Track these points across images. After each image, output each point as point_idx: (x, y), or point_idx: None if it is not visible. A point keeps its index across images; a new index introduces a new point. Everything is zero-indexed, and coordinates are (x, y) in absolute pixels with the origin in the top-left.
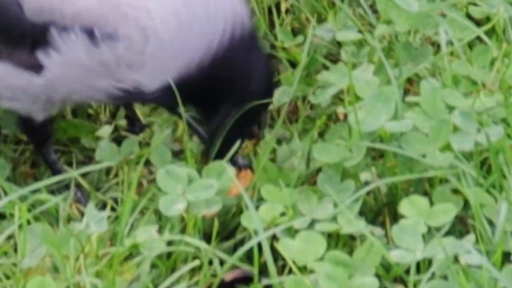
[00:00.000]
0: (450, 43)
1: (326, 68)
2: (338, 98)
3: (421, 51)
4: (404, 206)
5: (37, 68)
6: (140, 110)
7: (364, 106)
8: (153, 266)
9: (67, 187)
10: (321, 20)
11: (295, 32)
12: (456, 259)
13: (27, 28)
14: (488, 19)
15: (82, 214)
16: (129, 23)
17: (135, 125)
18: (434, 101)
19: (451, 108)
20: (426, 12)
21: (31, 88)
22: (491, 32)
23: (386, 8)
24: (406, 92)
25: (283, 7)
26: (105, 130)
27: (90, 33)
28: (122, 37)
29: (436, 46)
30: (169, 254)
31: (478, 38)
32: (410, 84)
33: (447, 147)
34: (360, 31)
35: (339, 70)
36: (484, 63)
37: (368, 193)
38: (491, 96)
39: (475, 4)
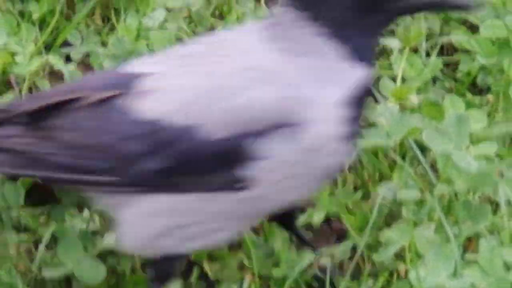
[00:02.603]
0: (508, 202)
1: (388, 225)
2: (399, 255)
3: (480, 210)
4: None
5: (240, 183)
6: (208, 266)
7: (425, 264)
8: None
9: None
10: (381, 178)
11: (356, 189)
12: None
13: (215, 149)
14: None
15: None
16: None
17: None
18: (492, 259)
19: (508, 267)
20: (485, 172)
21: (233, 207)
22: None
23: (446, 168)
24: (465, 249)
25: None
26: None
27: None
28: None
29: (495, 205)
30: None
31: None
32: (470, 242)
33: None
34: (420, 190)
35: (401, 228)
36: None
37: None
38: None
39: None
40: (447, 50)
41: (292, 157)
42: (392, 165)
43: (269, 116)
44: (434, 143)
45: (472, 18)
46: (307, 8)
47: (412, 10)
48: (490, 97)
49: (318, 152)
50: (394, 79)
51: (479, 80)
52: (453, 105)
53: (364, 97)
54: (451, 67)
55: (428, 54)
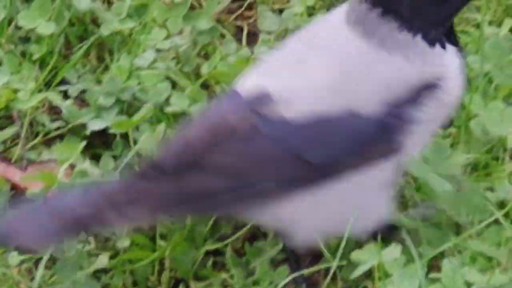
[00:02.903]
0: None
1: (359, 247)
2: (369, 274)
3: (444, 232)
4: None
5: (396, 146)
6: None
7: (392, 282)
8: None
9: None
10: None
11: None
12: None
13: (377, 123)
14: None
15: None
16: None
17: None
18: (454, 278)
19: (469, 285)
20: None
21: (385, 174)
22: (505, 215)
23: (418, 191)
24: (430, 269)
25: None
26: None
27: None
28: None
29: (457, 227)
30: None
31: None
32: (435, 261)
33: None
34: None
35: (370, 249)
36: (499, 242)
37: None
38: (505, 274)
39: (492, 190)
40: None
41: (434, 115)
42: None
43: (415, 82)
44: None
45: None
46: (385, 5)
47: None
48: (452, 130)
49: (449, 106)
50: None
51: None
52: None
53: None
54: None
55: None
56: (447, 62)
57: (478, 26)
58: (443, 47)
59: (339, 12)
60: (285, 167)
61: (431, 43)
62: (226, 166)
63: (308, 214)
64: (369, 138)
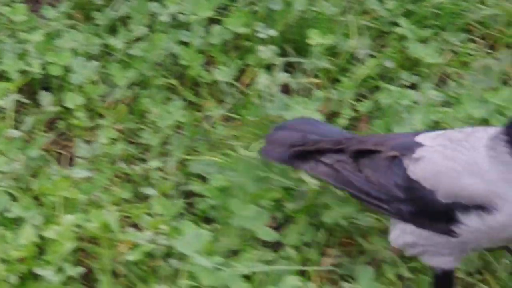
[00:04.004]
0: None
1: None
2: None
3: None
4: None
5: (452, 232)
6: None
7: None
8: None
9: None
10: None
11: None
12: None
13: (442, 208)
14: None
15: None
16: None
17: None
18: None
19: None
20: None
21: (449, 244)
22: None
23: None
24: None
25: None
26: None
27: (481, 208)
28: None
29: None
30: None
31: None
32: None
33: None
34: None
35: None
36: None
37: None
38: None
39: None
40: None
41: (481, 229)
42: None
43: (474, 198)
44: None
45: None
46: (510, 139)
47: None
48: (217, 225)
49: (500, 232)
50: None
51: (210, 213)
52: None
53: None
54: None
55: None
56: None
57: None
58: None
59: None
60: (391, 197)
61: None
62: (371, 172)
63: (399, 230)
64: (435, 213)
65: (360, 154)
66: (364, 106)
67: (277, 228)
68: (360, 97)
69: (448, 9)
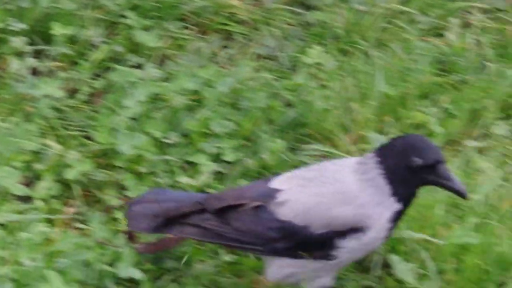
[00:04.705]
0: None
1: None
2: None
3: None
4: None
5: (330, 257)
6: None
7: None
8: None
9: None
10: None
11: None
12: None
13: (317, 238)
14: None
15: None
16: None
17: None
18: None
19: None
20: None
21: (326, 267)
22: None
23: None
24: None
25: None
26: None
27: (355, 230)
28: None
29: None
30: None
31: None
32: None
33: None
34: None
35: None
36: None
37: None
38: None
39: None
40: None
41: (356, 247)
42: None
43: (346, 224)
44: None
45: None
46: (383, 160)
47: (431, 183)
48: None
49: (371, 245)
50: None
51: None
52: None
53: (398, 221)
54: None
55: None
56: (379, 217)
57: None
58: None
59: (351, 161)
60: (265, 239)
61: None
62: (239, 224)
63: (275, 266)
64: (312, 245)
65: (223, 210)
66: (99, 84)
67: (28, 184)
68: (95, 77)
69: (167, 2)
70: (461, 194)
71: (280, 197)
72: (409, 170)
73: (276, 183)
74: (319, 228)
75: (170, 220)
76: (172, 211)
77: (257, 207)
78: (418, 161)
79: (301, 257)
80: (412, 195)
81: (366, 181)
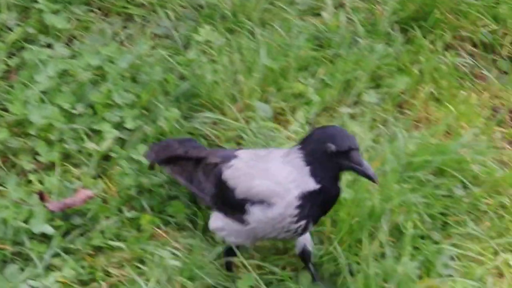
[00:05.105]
0: None
1: None
2: None
3: None
4: None
5: (244, 222)
6: None
7: None
8: None
9: None
10: None
11: None
12: None
13: (238, 202)
14: None
15: None
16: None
17: None
18: None
19: None
20: None
21: (243, 231)
22: None
23: None
24: None
25: None
26: None
27: (262, 203)
28: (273, 204)
29: None
30: None
31: None
32: None
33: None
34: None
35: None
36: None
37: None
38: None
39: None
40: None
41: (263, 219)
42: None
43: (260, 196)
44: None
45: None
46: (303, 147)
47: (346, 168)
48: None
49: (280, 221)
50: None
51: None
52: None
53: (315, 202)
54: None
55: None
56: (290, 195)
57: None
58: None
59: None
60: (207, 192)
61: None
62: (198, 173)
63: (213, 217)
64: (234, 205)
65: (198, 160)
66: (13, 62)
67: None
68: (10, 55)
69: None
70: (371, 179)
71: (231, 162)
72: (325, 155)
73: (240, 152)
74: (240, 194)
75: (172, 159)
76: (176, 152)
77: (216, 164)
78: (332, 146)
79: (226, 214)
80: (333, 179)
81: (288, 162)
